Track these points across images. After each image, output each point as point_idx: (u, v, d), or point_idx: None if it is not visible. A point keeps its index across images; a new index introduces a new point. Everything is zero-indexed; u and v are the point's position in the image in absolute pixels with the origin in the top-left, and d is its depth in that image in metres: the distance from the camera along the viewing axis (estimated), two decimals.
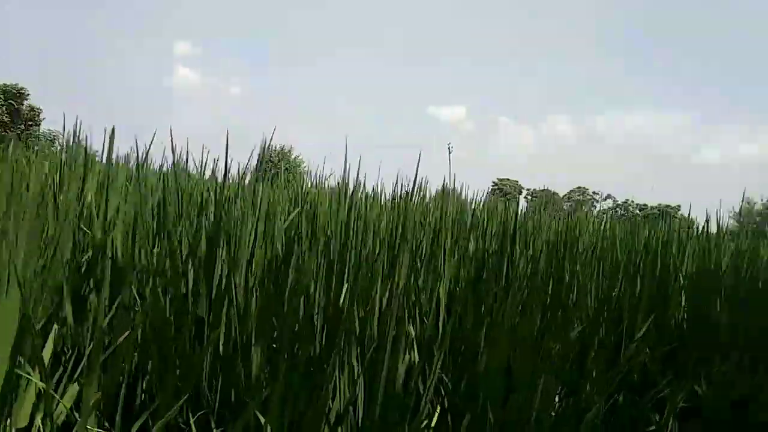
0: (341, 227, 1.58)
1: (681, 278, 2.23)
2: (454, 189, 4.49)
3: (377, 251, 1.64)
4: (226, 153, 1.47)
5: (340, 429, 1.50)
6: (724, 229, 2.66)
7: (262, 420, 1.30)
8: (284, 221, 1.63)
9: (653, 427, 1.89)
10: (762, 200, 37.39)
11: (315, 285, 1.57)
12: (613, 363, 1.86)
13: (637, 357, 1.88)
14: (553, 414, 1.72)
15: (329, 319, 1.53)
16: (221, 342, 1.47)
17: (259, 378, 1.40)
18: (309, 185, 3.11)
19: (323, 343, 1.49)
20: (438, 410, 1.60)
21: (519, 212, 3.69)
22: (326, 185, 3.05)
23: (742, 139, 78.54)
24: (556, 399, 1.98)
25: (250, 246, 1.49)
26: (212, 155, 2.59)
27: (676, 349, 1.91)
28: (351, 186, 2.22)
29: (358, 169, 2.96)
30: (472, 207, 3.30)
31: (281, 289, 1.48)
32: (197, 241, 1.49)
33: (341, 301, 1.53)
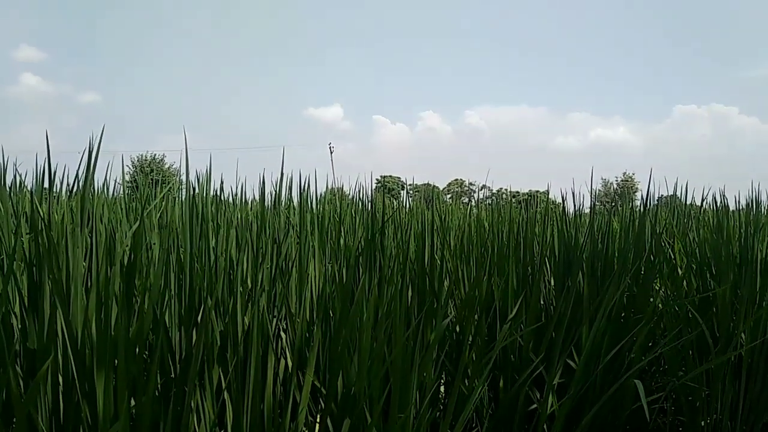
0: (192, 235, 1.45)
1: (546, 257, 2.32)
2: (341, 188, 4.42)
3: (237, 257, 1.52)
4: (49, 163, 1.29)
5: None
6: (582, 208, 2.82)
7: None
8: (127, 236, 1.47)
9: (534, 405, 1.94)
10: (617, 179, 41.09)
11: (169, 300, 1.43)
12: (490, 346, 1.88)
13: (511, 338, 1.91)
14: (434, 403, 1.70)
15: (188, 338, 1.40)
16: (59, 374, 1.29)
17: (107, 411, 1.24)
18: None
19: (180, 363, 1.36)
20: (318, 417, 1.53)
21: (398, 205, 3.70)
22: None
23: (591, 126, 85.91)
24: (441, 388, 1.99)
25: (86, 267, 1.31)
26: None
27: (546, 326, 1.97)
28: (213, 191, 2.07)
29: (237, 171, 2.80)
30: (349, 204, 3.26)
31: (129, 306, 1.33)
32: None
33: (199, 316, 1.40)
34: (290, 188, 2.35)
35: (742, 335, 1.99)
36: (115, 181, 2.78)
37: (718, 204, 3.29)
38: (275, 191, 2.15)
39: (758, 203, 3.29)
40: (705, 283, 2.31)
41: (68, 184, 2.38)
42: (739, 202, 3.63)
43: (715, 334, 2.08)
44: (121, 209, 1.98)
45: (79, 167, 1.48)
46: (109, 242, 1.49)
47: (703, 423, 1.99)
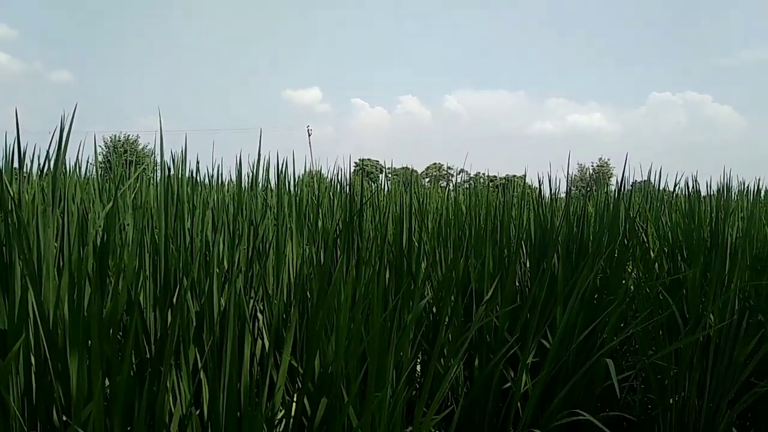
0: (168, 215, 1.43)
1: (522, 240, 2.34)
2: (319, 171, 4.40)
3: (213, 238, 1.51)
4: (19, 142, 1.26)
5: None
6: (558, 193, 2.86)
7: None
8: (100, 216, 1.45)
9: (509, 384, 1.97)
10: (593, 165, 41.55)
11: (143, 281, 1.42)
12: (466, 327, 1.90)
13: (486, 318, 1.93)
14: (410, 381, 1.72)
15: (163, 318, 1.39)
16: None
17: (80, 392, 1.23)
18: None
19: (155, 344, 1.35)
20: (295, 397, 1.53)
21: (376, 188, 3.70)
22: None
23: (568, 111, 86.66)
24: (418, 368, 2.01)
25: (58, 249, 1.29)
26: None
27: (521, 307, 2.00)
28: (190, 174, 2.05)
29: (213, 152, 2.77)
30: (326, 186, 3.25)
31: (103, 284, 1.31)
32: None
33: (175, 297, 1.39)
34: (267, 170, 2.33)
35: (711, 316, 2.04)
36: (88, 161, 2.73)
37: (691, 189, 3.35)
38: (252, 173, 2.13)
39: (729, 189, 3.36)
40: (676, 265, 2.36)
41: (39, 164, 2.33)
42: (710, 188, 3.71)
43: (684, 314, 2.13)
44: (94, 189, 1.95)
45: (50, 146, 1.45)
46: (81, 222, 1.47)
47: (671, 400, 2.05)
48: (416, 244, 2.04)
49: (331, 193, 2.82)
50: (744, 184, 3.77)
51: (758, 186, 3.64)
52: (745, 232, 2.33)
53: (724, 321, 2.01)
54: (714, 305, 2.02)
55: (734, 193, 3.58)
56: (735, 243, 2.26)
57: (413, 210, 2.22)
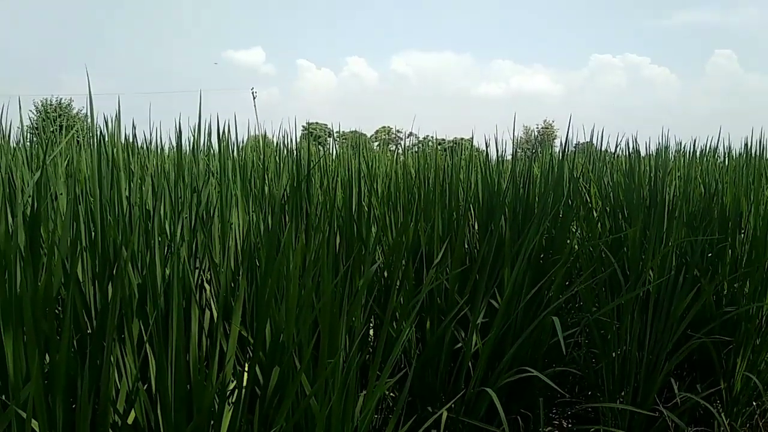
0: (103, 183, 1.35)
1: (470, 203, 2.36)
2: (263, 134, 4.27)
3: (153, 206, 1.45)
4: None
5: (133, 410, 1.33)
6: (505, 155, 2.88)
7: (24, 416, 1.09)
8: (29, 185, 1.35)
9: (460, 344, 2.00)
10: (537, 127, 42.37)
11: (80, 253, 1.34)
12: (417, 290, 1.91)
13: (437, 281, 1.95)
14: (363, 346, 1.73)
15: (103, 292, 1.33)
16: None
17: (18, 371, 1.17)
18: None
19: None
20: (246, 366, 1.51)
21: (325, 153, 3.64)
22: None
23: (513, 73, 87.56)
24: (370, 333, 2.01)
25: None
26: None
27: (470, 269, 2.02)
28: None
29: (150, 115, 2.64)
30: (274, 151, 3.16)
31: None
32: None
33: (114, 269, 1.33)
34: (209, 134, 2.24)
35: (650, 272, 2.12)
36: (16, 126, 2.55)
37: (631, 150, 3.45)
38: (193, 137, 2.05)
39: (667, 149, 3.47)
40: (617, 224, 2.44)
41: None
42: (649, 148, 3.83)
43: (625, 272, 2.21)
44: (22, 156, 1.82)
45: None
46: (9, 192, 1.37)
47: (614, 354, 2.14)
48: (366, 208, 2.02)
49: (277, 158, 2.75)
50: (681, 144, 3.91)
51: (694, 146, 3.78)
52: (682, 190, 2.42)
53: (662, 277, 2.09)
54: (653, 262, 2.09)
55: (672, 153, 3.71)
56: (673, 201, 2.34)
57: (362, 174, 2.19)
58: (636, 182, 2.51)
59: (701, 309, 2.13)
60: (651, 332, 2.10)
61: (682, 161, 3.64)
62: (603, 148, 3.84)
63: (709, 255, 2.30)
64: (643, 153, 3.57)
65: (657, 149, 3.48)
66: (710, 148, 3.92)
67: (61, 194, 1.52)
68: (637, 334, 2.09)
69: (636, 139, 3.90)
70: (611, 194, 2.60)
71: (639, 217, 2.21)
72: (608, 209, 2.52)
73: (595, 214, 2.58)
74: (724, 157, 3.91)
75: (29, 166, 1.80)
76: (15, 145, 2.38)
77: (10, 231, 1.16)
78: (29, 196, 1.34)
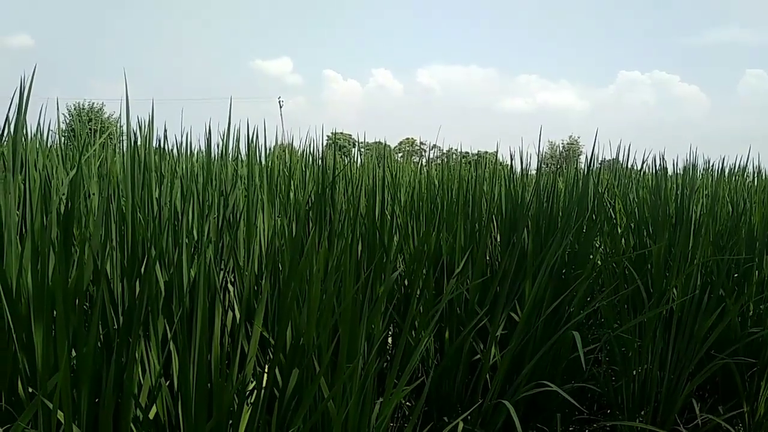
0: (135, 184, 1.39)
1: (493, 215, 2.36)
2: (290, 143, 4.33)
3: (181, 208, 1.48)
4: None
5: (155, 406, 1.36)
6: (529, 169, 2.88)
7: (50, 406, 1.13)
8: (64, 183, 1.40)
9: (478, 356, 2.00)
10: (563, 142, 42.05)
11: (110, 251, 1.38)
12: (437, 299, 1.92)
13: (457, 291, 1.95)
14: (381, 353, 1.74)
15: (131, 289, 1.36)
16: None
17: (46, 363, 1.20)
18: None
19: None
20: (266, 368, 1.53)
21: (349, 161, 3.67)
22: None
23: (539, 88, 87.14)
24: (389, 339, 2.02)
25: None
26: None
27: (491, 280, 2.02)
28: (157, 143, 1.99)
29: (181, 121, 2.69)
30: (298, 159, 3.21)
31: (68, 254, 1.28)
32: None
33: (143, 267, 1.36)
34: (238, 140, 2.28)
35: (674, 290, 2.09)
36: (49, 127, 2.63)
37: (657, 167, 3.41)
38: (222, 142, 2.09)
39: (694, 167, 3.43)
40: (642, 241, 2.41)
41: None
42: (677, 165, 3.79)
43: (649, 289, 2.18)
44: (57, 156, 1.88)
45: (9, 110, 1.37)
46: (44, 190, 1.42)
47: (634, 372, 2.11)
48: (389, 217, 2.03)
49: (303, 165, 2.79)
50: (709, 163, 3.86)
51: (722, 164, 3.73)
52: (709, 209, 2.39)
53: (686, 295, 2.06)
54: (677, 280, 2.07)
55: (699, 171, 3.66)
56: (699, 219, 2.31)
57: (386, 183, 2.21)
58: (662, 199, 2.48)
59: (725, 329, 2.09)
60: (673, 351, 2.07)
61: (709, 179, 3.59)
62: (629, 165, 3.81)
63: (735, 275, 2.26)
64: (670, 171, 3.53)
65: (684, 167, 3.45)
66: (739, 167, 3.86)
67: (94, 194, 1.56)
68: (659, 352, 2.07)
69: (663, 157, 3.86)
70: (636, 211, 2.58)
71: (664, 234, 2.19)
72: (633, 225, 2.49)
73: (619, 230, 2.56)
74: (754, 177, 3.85)
75: (64, 165, 1.86)
76: (49, 146, 2.45)
77: (45, 226, 1.20)
78: (64, 194, 1.38)
